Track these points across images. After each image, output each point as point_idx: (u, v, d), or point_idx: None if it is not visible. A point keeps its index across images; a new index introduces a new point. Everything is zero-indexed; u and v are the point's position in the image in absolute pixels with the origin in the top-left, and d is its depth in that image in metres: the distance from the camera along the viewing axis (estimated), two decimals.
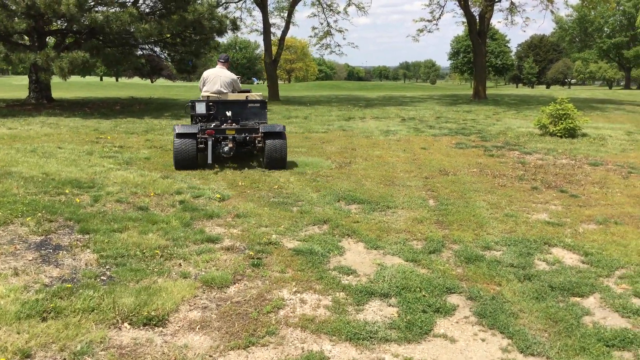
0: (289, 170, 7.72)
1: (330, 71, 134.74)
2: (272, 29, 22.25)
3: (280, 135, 7.88)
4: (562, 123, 11.33)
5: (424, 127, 13.00)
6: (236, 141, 7.82)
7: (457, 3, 22.58)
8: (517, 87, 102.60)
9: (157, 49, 18.37)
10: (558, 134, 11.34)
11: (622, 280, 4.05)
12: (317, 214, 5.56)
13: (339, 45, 25.05)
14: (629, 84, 72.35)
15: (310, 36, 24.36)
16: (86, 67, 13.84)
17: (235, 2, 22.08)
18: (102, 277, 3.70)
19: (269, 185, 6.82)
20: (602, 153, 9.57)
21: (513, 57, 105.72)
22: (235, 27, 17.01)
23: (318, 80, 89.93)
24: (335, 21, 23.71)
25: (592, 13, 62.76)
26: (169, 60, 17.89)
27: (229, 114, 8.23)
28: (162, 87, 48.63)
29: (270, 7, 22.68)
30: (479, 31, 22.61)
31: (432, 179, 7.32)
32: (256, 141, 7.85)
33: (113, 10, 13.00)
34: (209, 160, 7.61)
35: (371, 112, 16.87)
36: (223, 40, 23.42)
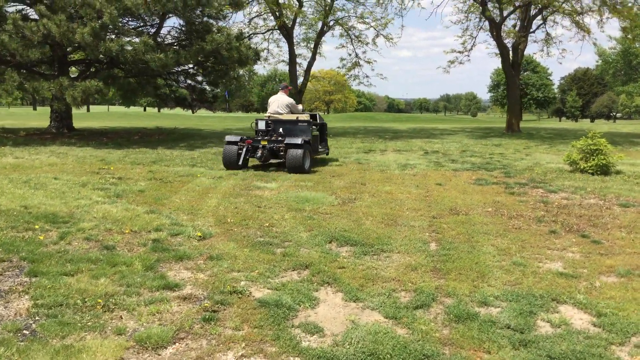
0: (286, 206, 7.30)
1: (369, 103, 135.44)
2: (298, 60, 22.24)
3: (299, 146, 10.01)
4: (593, 159, 10.60)
5: (445, 161, 12.43)
6: (267, 150, 10.37)
7: (490, 34, 22.08)
8: (560, 120, 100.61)
9: (183, 78, 18.40)
10: (589, 171, 10.60)
11: (638, 349, 3.41)
12: (300, 257, 5.09)
13: (367, 77, 24.77)
14: None
15: (339, 67, 23.98)
16: (101, 96, 13.83)
17: (262, 33, 22.19)
18: (24, 331, 3.30)
19: (259, 222, 6.40)
20: (636, 193, 8.81)
21: (555, 90, 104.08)
22: (258, 58, 16.89)
23: (357, 112, 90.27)
24: (364, 52, 23.35)
25: (637, 45, 61.27)
26: (189, 90, 17.85)
27: (280, 130, 10.64)
28: (198, 118, 49.26)
29: (297, 38, 22.70)
30: (512, 63, 22.00)
31: (440, 219, 6.76)
32: (280, 150, 10.26)
33: (128, 39, 13.03)
34: (240, 162, 10.36)
35: (394, 145, 16.39)
36: (262, 71, 23.57)
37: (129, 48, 12.41)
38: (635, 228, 6.54)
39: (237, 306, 3.90)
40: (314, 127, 11.08)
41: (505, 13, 21.56)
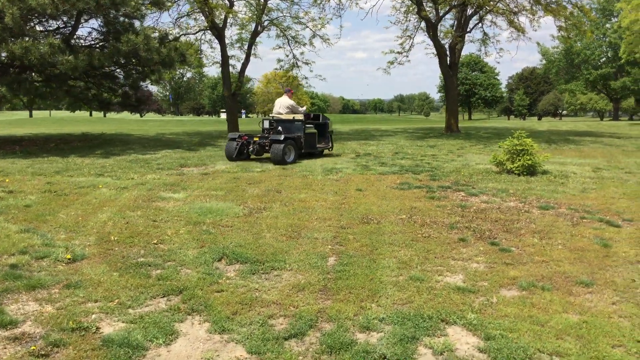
0: (185, 219, 6.78)
1: (323, 104, 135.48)
2: (232, 61, 21.63)
3: (281, 142, 11.67)
4: (519, 160, 10.52)
5: (374, 164, 12.15)
6: (258, 144, 12.26)
7: (427, 34, 22.06)
8: (508, 119, 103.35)
9: (106, 81, 17.49)
10: (516, 172, 10.51)
11: None
12: (177, 281, 4.60)
13: (306, 78, 24.37)
14: (617, 116, 72.63)
15: (276, 69, 23.50)
16: (5, 102, 12.87)
17: (193, 34, 21.48)
18: None
19: (148, 239, 5.86)
20: (559, 194, 8.71)
21: (503, 89, 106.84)
22: (184, 60, 16.21)
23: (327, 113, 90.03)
24: (302, 53, 22.84)
25: (578, 44, 63.38)
26: (108, 92, 16.96)
27: (280, 128, 12.34)
28: (139, 122, 47.83)
29: (231, 39, 22.12)
30: (449, 63, 22.04)
31: (348, 229, 6.39)
32: (267, 145, 12.01)
33: (36, 41, 12.14)
34: (234, 156, 12.32)
35: None
36: (214, 74, 22.89)
37: (36, 50, 11.54)
38: (549, 233, 6.34)
39: (74, 347, 3.37)
40: (308, 125, 12.71)
41: (441, 13, 21.60)
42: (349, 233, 6.23)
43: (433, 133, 23.53)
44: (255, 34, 21.48)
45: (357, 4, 22.91)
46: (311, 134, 12.84)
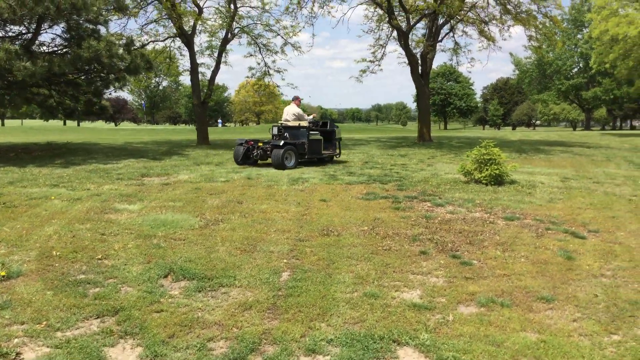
0: (137, 232, 6.46)
1: None
2: (202, 69, 21.32)
3: (280, 147, 12.44)
4: (487, 169, 10.42)
5: (343, 173, 11.94)
6: (261, 150, 12.95)
7: (398, 43, 22.07)
8: (483, 128, 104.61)
9: (69, 89, 16.99)
10: (483, 182, 10.42)
11: None
12: (115, 300, 4.30)
13: (278, 86, 24.13)
14: (589, 125, 73.91)
15: (247, 77, 23.19)
16: None
17: (162, 41, 21.10)
18: None
19: (92, 254, 5.54)
20: (525, 204, 8.60)
21: (478, 99, 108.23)
22: (150, 67, 15.84)
23: None
24: (274, 61, 22.60)
25: (550, 55, 64.44)
26: (74, 101, 16.49)
27: (286, 134, 13.17)
28: (112, 131, 47.00)
29: (201, 46, 21.79)
30: (421, 72, 22.04)
31: (306, 242, 6.15)
32: (268, 150, 12.78)
33: None
34: (239, 159, 13.27)
35: None
36: (189, 82, 22.51)
37: None
38: (512, 245, 6.19)
39: None
40: (312, 132, 13.27)
41: (412, 22, 21.62)
42: (307, 246, 5.99)
43: (406, 142, 23.49)
44: (225, 41, 21.18)
45: (329, 12, 22.69)
46: (316, 140, 13.37)
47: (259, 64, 22.97)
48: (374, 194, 9.26)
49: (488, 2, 21.70)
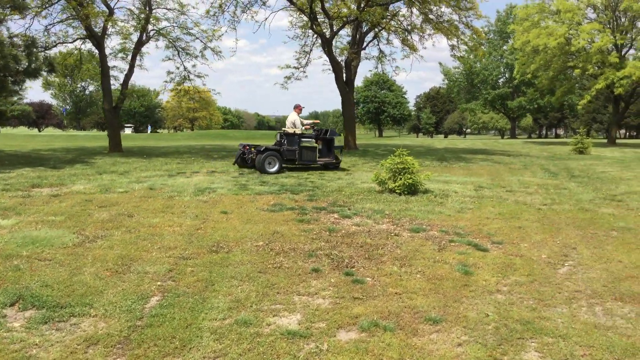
0: (5, 253, 5.74)
1: (237, 120, 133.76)
2: (114, 72, 20.27)
3: (262, 152, 13.21)
4: (400, 179, 10.24)
5: (255, 183, 11.48)
6: (252, 154, 13.47)
7: (322, 50, 21.87)
8: (417, 136, 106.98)
9: None
10: (397, 191, 10.23)
11: None
12: None
13: (198, 92, 23.35)
14: (515, 134, 76.87)
15: (166, 81, 22.28)
16: None
17: (70, 42, 19.87)
18: None
19: None
20: (434, 215, 8.43)
21: (411, 108, 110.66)
22: (52, 69, 14.81)
23: (224, 129, 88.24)
24: (194, 66, 21.92)
25: (477, 65, 66.64)
26: None
27: (284, 141, 13.82)
28: (28, 137, 44.33)
29: (114, 49, 20.76)
30: (346, 80, 21.94)
31: (190, 260, 5.64)
32: (255, 154, 13.40)
33: None
34: (234, 163, 14.18)
35: (215, 165, 15.22)
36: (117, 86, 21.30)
37: None
38: (411, 259, 5.93)
39: None
40: (305, 139, 13.82)
41: (335, 29, 21.50)
42: (189, 265, 5.48)
43: None
44: (139, 44, 20.26)
45: (252, 17, 22.20)
46: (308, 147, 13.86)
47: (178, 68, 22.16)
48: (281, 205, 8.86)
49: (412, 11, 21.94)
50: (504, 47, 65.06)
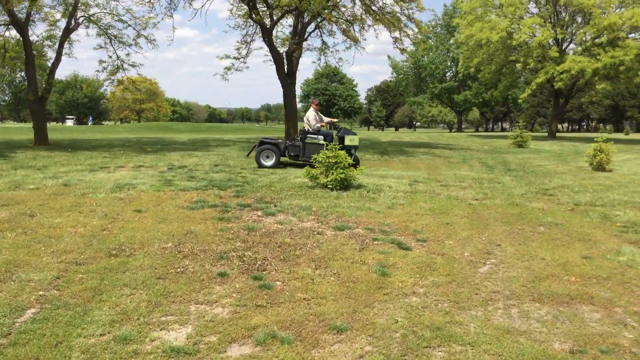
0: None
1: (187, 112, 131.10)
2: (41, 61, 19.13)
3: (257, 146, 13.66)
4: (333, 173, 9.94)
5: (182, 178, 10.96)
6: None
7: (263, 40, 21.36)
8: (368, 129, 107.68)
9: None
10: (329, 186, 9.94)
11: None
12: None
13: (133, 82, 22.44)
14: (461, 127, 78.23)
15: (98, 71, 21.25)
16: None
17: None
18: None
19: None
20: (363, 211, 8.18)
21: (362, 101, 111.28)
22: None
23: (172, 122, 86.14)
24: (128, 54, 20.99)
25: (425, 59, 67.33)
26: None
27: (298, 136, 14.26)
28: None
29: (40, 36, 19.63)
30: (287, 71, 21.51)
31: (83, 266, 5.16)
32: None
33: None
34: (247, 154, 15.47)
35: (143, 160, 14.54)
36: (61, 77, 19.96)
37: None
38: (329, 260, 5.63)
39: None
40: (311, 136, 13.40)
41: (275, 18, 21.02)
42: (80, 271, 5.00)
43: None
44: (67, 31, 19.20)
45: (190, 4, 21.42)
46: (314, 144, 13.33)
47: (110, 57, 21.19)
48: (203, 202, 8.41)
49: (355, 2, 21.68)
50: (451, 41, 65.89)
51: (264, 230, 6.84)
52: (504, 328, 4.13)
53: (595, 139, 15.24)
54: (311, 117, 13.74)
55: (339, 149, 12.74)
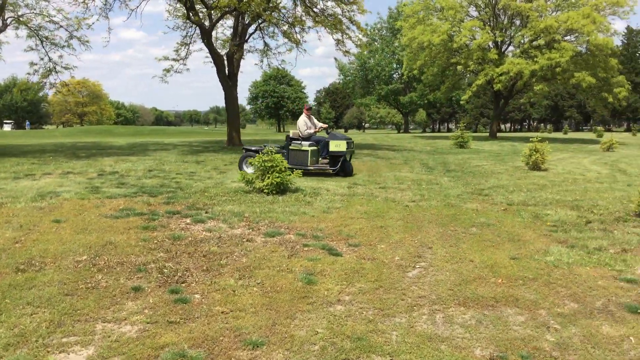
0: None
1: (132, 115, 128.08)
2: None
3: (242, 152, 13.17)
4: (269, 177, 9.74)
5: (111, 185, 10.51)
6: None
7: (202, 41, 20.92)
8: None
9: None
10: (265, 190, 9.73)
11: None
12: None
13: (67, 85, 21.59)
14: (408, 128, 79.44)
15: (29, 73, 20.34)
16: None
17: None
18: None
19: None
20: (297, 216, 8.02)
21: (312, 102, 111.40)
22: None
23: (115, 125, 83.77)
24: (61, 56, 20.17)
25: (371, 61, 68.02)
26: None
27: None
28: None
29: None
30: (228, 73, 21.16)
31: None
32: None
33: None
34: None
35: (73, 166, 13.94)
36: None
37: None
38: (255, 269, 5.44)
39: None
40: (295, 142, 12.84)
41: (215, 19, 20.64)
42: None
43: (214, 147, 22.44)
44: None
45: (126, 5, 20.74)
46: (298, 151, 12.77)
47: (42, 59, 20.31)
48: (129, 210, 8.04)
49: (297, 4, 21.55)
50: (396, 44, 66.79)
51: (190, 238, 6.58)
52: (426, 335, 4.04)
53: (530, 139, 15.61)
54: (301, 124, 13.11)
55: (325, 155, 12.93)
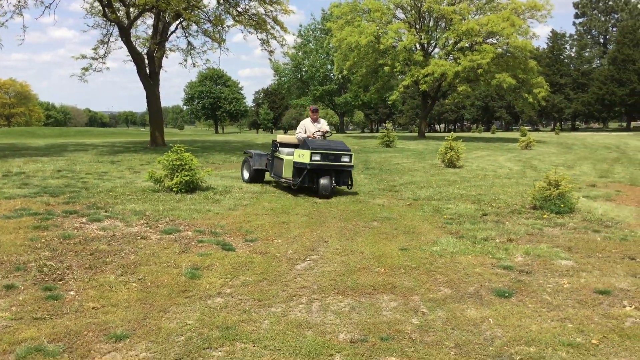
0: None
1: (63, 117, 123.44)
2: None
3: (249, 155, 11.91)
4: (178, 176, 9.66)
5: (13, 185, 10.15)
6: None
7: (121, 39, 20.44)
8: (257, 132, 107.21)
9: None
10: (174, 189, 9.65)
11: None
12: None
13: None
14: (343, 129, 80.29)
15: None
16: None
17: None
18: None
19: None
20: (201, 214, 8.01)
21: (250, 103, 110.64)
22: None
23: (43, 127, 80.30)
24: None
25: (306, 61, 68.32)
26: None
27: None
28: None
29: None
30: (149, 72, 20.76)
31: None
32: None
33: None
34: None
35: None
36: None
37: None
38: (140, 266, 5.42)
39: None
40: (281, 148, 11.22)
41: (133, 17, 20.24)
42: None
43: (136, 147, 21.98)
44: None
45: (41, 2, 19.95)
46: (277, 159, 10.91)
47: None
48: (24, 210, 7.79)
49: (220, 3, 21.40)
50: (331, 45, 67.41)
51: (81, 237, 6.45)
52: (296, 322, 4.15)
53: (445, 138, 16.16)
54: (299, 128, 11.16)
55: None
